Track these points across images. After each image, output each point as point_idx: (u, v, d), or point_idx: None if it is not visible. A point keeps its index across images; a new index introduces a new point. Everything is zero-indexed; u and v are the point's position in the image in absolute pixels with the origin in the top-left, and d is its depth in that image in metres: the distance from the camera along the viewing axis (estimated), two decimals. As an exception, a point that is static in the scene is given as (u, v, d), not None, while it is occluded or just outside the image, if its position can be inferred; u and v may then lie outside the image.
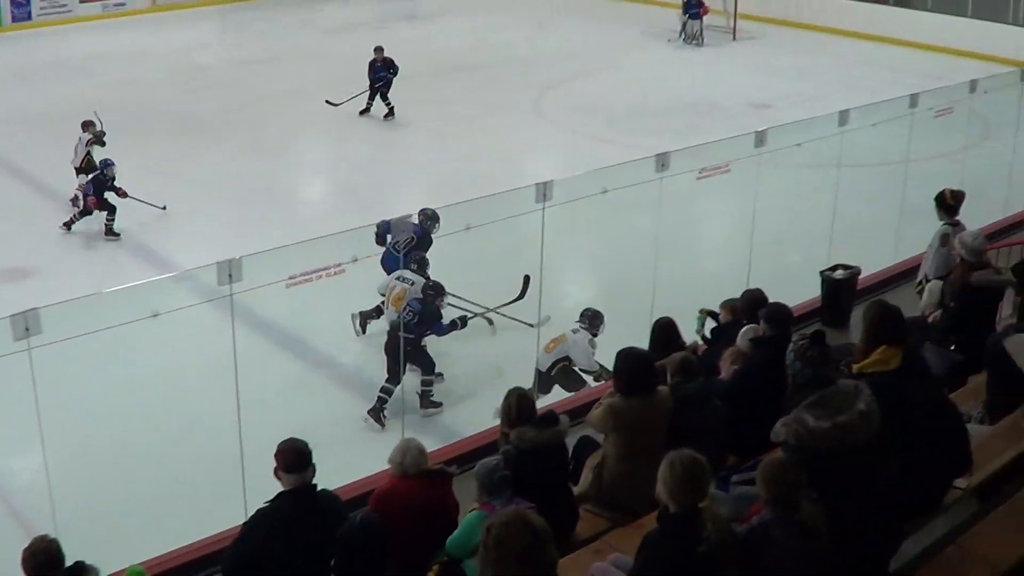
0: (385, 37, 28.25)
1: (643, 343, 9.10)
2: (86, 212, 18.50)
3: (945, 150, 18.94)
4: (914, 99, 15.13)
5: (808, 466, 5.73)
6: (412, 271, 13.55)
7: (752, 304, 9.34)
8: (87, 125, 19.61)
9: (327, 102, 25.15)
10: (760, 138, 12.97)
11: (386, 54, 25.10)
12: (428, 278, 13.47)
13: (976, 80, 16.55)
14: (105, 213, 18.37)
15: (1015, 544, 6.47)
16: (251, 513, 7.03)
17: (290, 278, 9.91)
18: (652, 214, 13.48)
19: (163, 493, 11.04)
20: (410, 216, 14.41)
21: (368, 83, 25.06)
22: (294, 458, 6.85)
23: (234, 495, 9.22)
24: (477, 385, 13.65)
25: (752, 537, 5.61)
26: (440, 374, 13.52)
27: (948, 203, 11.69)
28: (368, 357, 14.15)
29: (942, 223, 11.70)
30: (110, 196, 18.35)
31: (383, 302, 13.91)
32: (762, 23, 37.12)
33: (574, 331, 13.03)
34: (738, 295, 10.15)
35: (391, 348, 13.00)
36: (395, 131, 24.45)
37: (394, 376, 12.88)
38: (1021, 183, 16.70)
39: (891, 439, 6.10)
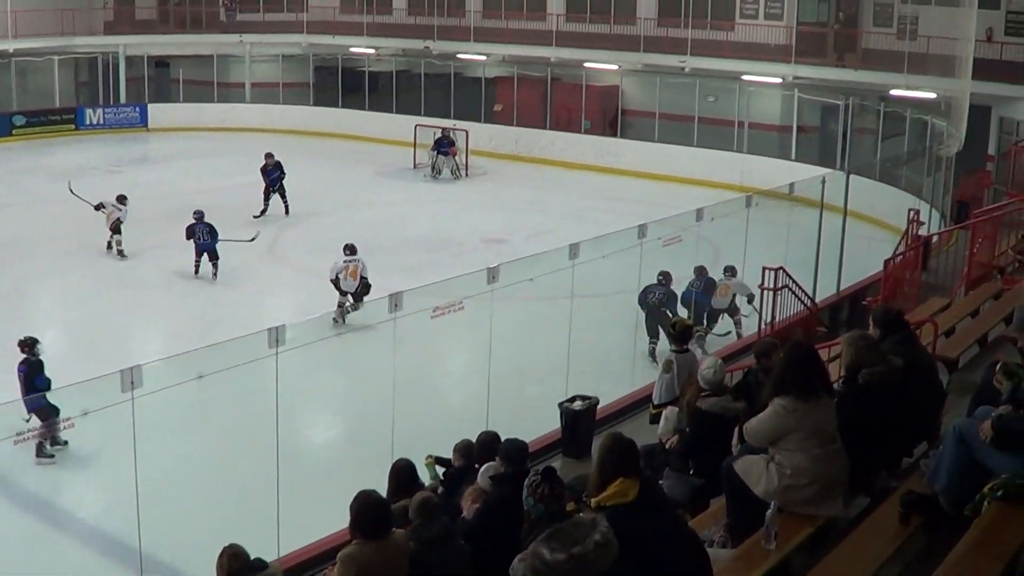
0: (118, 180, 27.74)
1: (384, 484, 8.98)
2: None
3: (678, 277, 19.40)
4: (642, 229, 15.45)
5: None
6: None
7: (486, 445, 9.52)
8: (123, 199, 25.40)
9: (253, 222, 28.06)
10: (492, 274, 13.03)
11: (276, 158, 29.35)
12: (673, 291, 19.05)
13: (702, 208, 16.98)
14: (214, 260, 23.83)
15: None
16: None
17: (18, 434, 9.54)
18: (389, 353, 13.37)
19: None
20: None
21: (264, 187, 29.14)
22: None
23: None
24: (209, 533, 13.20)
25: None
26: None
27: (671, 332, 12.62)
28: (113, 504, 13.47)
29: (670, 349, 12.06)
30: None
31: (340, 279, 20.76)
32: (493, 159, 37.99)
33: (729, 278, 19.38)
34: (478, 430, 10.13)
35: (649, 321, 18.30)
36: (131, 275, 23.93)
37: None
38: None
39: (633, 572, 6.06)
